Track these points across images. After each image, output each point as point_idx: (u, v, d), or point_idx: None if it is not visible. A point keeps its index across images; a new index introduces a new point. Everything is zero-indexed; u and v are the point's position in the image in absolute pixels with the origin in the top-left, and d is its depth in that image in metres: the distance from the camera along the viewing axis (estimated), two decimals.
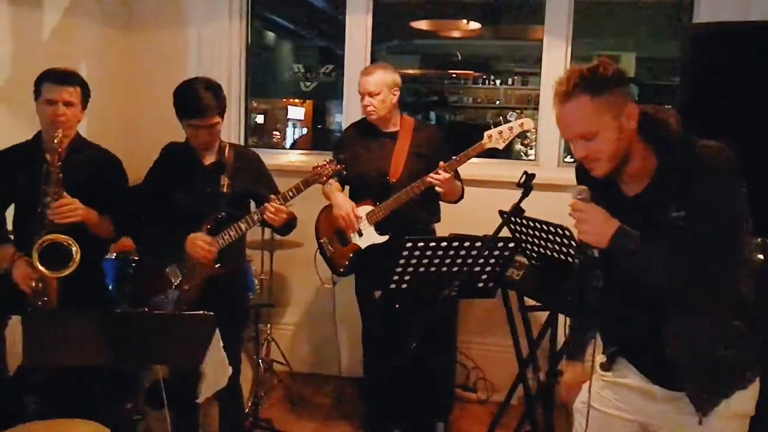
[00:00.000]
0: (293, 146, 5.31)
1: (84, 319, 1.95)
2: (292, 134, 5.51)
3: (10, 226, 2.85)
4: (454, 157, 3.07)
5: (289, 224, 2.84)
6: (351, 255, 3.27)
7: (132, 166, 4.16)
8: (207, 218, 2.73)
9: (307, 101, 5.51)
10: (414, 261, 2.62)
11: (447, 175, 3.01)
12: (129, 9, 4.31)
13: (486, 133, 3.10)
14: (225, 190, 2.76)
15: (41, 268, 2.49)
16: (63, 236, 2.52)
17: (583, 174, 1.82)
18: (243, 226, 2.73)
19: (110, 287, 3.17)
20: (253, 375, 3.53)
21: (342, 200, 3.26)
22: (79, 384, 2.82)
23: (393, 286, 2.65)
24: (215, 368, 2.02)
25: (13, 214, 2.82)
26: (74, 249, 2.50)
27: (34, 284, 2.56)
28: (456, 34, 5.58)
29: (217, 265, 2.70)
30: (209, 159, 2.82)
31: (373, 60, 4.26)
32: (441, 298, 2.31)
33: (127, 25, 4.29)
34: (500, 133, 3.08)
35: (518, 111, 5.68)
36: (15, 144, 2.80)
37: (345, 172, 2.86)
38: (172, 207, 2.76)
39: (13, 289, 2.60)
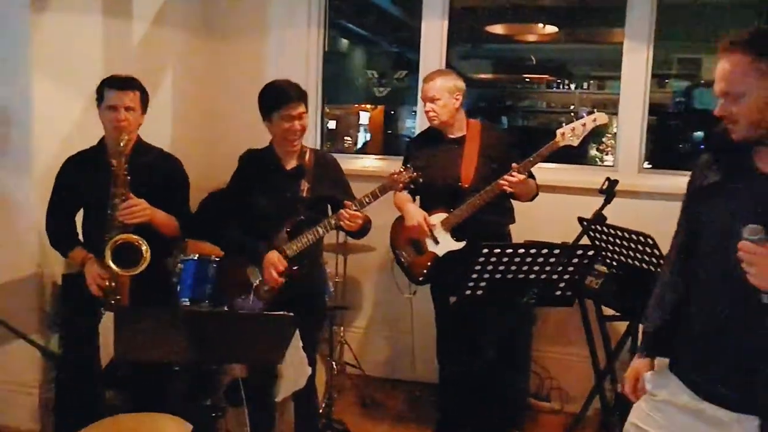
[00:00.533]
0: (363, 151, 5.35)
1: (171, 316, 2.02)
2: (363, 139, 5.57)
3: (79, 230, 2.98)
4: (528, 158, 3.01)
5: (364, 229, 2.85)
6: (429, 263, 3.25)
7: (215, 169, 4.31)
8: (286, 222, 2.78)
9: (378, 107, 5.55)
10: (490, 267, 2.60)
11: (521, 177, 2.97)
12: (213, 17, 4.44)
13: (558, 131, 3.03)
14: (305, 194, 2.81)
15: (114, 266, 2.60)
16: (134, 236, 2.63)
17: (717, 139, 1.74)
18: (320, 230, 2.77)
19: (190, 287, 3.27)
20: (327, 376, 3.58)
21: (413, 210, 3.27)
22: (160, 380, 2.94)
23: (468, 292, 2.64)
24: (294, 369, 2.06)
25: (82, 218, 2.94)
26: (144, 248, 2.62)
27: (106, 283, 2.68)
28: (531, 37, 5.51)
29: (294, 267, 2.76)
30: (291, 164, 2.87)
31: (448, 65, 4.25)
32: (518, 306, 2.28)
33: (210, 34, 4.44)
34: (573, 129, 3.00)
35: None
36: (81, 150, 2.93)
37: (421, 180, 2.83)
38: (253, 210, 2.83)
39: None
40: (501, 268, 2.60)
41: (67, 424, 2.87)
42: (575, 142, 3.03)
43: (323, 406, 3.52)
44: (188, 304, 3.27)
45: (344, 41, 5.84)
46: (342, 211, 2.70)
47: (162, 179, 2.90)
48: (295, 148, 2.83)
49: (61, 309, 3.35)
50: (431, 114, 3.24)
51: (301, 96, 2.77)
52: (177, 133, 4.20)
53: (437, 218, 3.22)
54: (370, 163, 4.47)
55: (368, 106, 5.56)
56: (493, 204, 3.13)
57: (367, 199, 2.74)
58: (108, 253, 2.60)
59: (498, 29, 5.23)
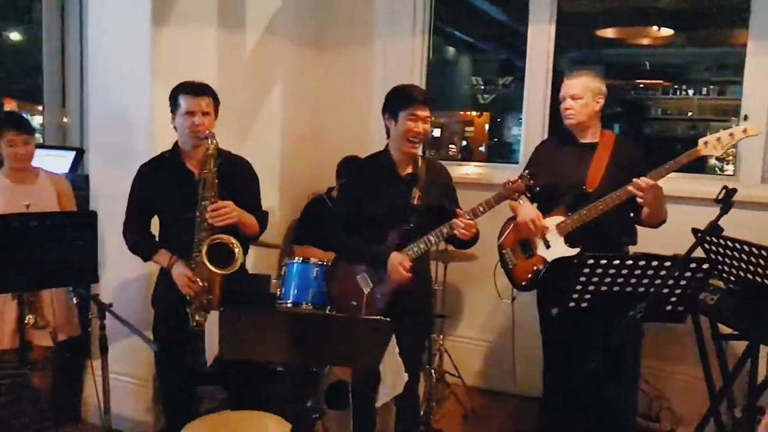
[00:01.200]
0: (467, 159, 5.31)
1: (273, 317, 2.07)
2: (467, 147, 5.53)
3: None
4: (663, 166, 2.83)
5: (474, 239, 2.81)
6: (535, 268, 3.14)
7: (319, 177, 4.43)
8: (394, 229, 2.80)
9: (484, 113, 5.49)
10: (596, 279, 2.49)
11: (651, 182, 2.79)
12: (321, 28, 4.56)
13: (701, 140, 2.82)
14: (415, 202, 2.81)
15: (210, 266, 2.69)
16: (228, 237, 2.72)
17: None
18: (432, 239, 2.75)
19: (293, 290, 3.35)
20: (426, 384, 3.57)
21: (527, 207, 3.12)
22: (261, 379, 3.03)
23: (572, 304, 2.54)
24: (392, 374, 2.06)
25: (159, 224, 3.05)
26: (237, 250, 2.71)
27: (199, 284, 2.77)
28: (645, 41, 5.29)
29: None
30: (406, 170, 2.89)
31: (555, 71, 4.15)
32: (625, 320, 2.18)
33: (318, 44, 4.55)
34: (718, 139, 2.79)
35: (715, 123, 5.25)
36: (154, 157, 3.04)
37: (538, 189, 2.74)
38: (363, 216, 2.86)
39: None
40: (607, 280, 2.49)
41: (173, 418, 3.02)
42: (717, 153, 2.82)
43: (422, 414, 3.51)
44: (291, 305, 3.36)
45: (449, 48, 5.84)
46: (456, 220, 2.67)
47: (238, 181, 2.98)
48: (414, 150, 2.84)
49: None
50: (569, 112, 3.12)
51: (428, 101, 2.81)
52: (285, 141, 4.33)
53: (553, 221, 3.09)
54: (473, 170, 4.43)
55: (473, 113, 5.52)
56: (616, 218, 2.97)
57: (481, 209, 2.70)
58: (204, 254, 2.71)
59: (609, 33, 5.04)
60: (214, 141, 2.79)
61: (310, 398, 3.19)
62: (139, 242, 3.00)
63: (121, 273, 3.54)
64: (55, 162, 3.92)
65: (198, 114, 2.82)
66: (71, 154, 3.91)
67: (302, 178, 4.54)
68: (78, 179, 3.71)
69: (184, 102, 2.84)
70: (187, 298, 2.85)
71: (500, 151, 5.62)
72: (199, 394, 3.37)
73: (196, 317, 2.82)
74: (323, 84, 4.58)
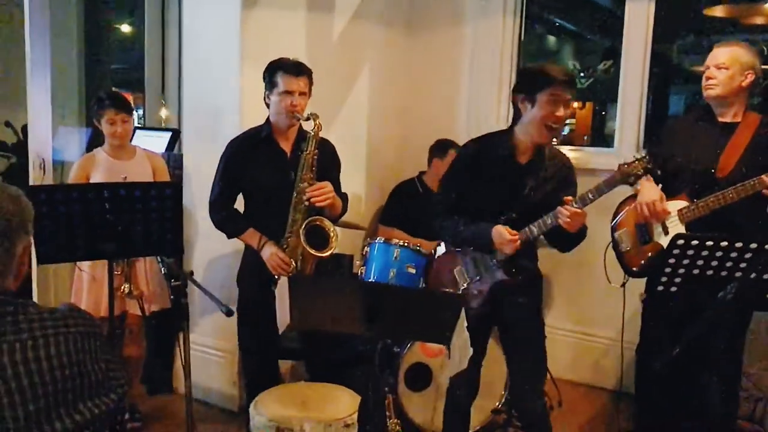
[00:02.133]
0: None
1: (343, 286, 2.07)
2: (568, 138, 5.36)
3: None
4: None
5: (582, 233, 2.47)
6: (650, 254, 2.91)
7: (405, 162, 4.42)
8: (496, 219, 2.54)
9: (587, 104, 5.30)
10: (686, 261, 2.32)
11: None
12: (410, 11, 4.53)
13: None
14: (527, 191, 2.51)
15: (308, 247, 2.71)
16: (323, 220, 2.72)
17: None
18: (534, 229, 2.44)
19: (374, 270, 3.35)
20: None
21: (650, 188, 2.85)
22: (343, 359, 3.05)
23: (660, 288, 2.38)
24: (460, 350, 2.01)
25: (244, 202, 3.07)
26: (332, 234, 2.71)
27: (291, 265, 2.78)
28: (760, 20, 4.92)
29: (513, 270, 2.52)
30: (524, 157, 2.54)
31: (656, 56, 3.93)
32: (714, 303, 2.02)
33: (406, 27, 4.53)
34: None
35: None
36: (244, 132, 3.06)
37: (659, 171, 2.50)
38: (471, 201, 2.59)
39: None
40: (700, 263, 2.31)
41: (253, 388, 3.09)
42: None
43: (503, 400, 3.42)
44: None
45: (543, 31, 5.66)
46: (561, 208, 2.34)
47: (324, 163, 2.97)
48: (551, 137, 2.47)
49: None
50: (711, 82, 2.86)
51: (572, 82, 2.44)
52: (372, 125, 4.33)
53: (675, 205, 2.87)
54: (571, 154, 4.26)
55: (575, 104, 5.33)
56: (751, 210, 2.72)
57: (591, 195, 2.34)
58: (302, 234, 2.72)
59: (718, 12, 4.73)
60: (318, 122, 2.79)
61: (389, 378, 3.20)
62: (226, 219, 3.01)
63: (210, 250, 3.66)
64: (153, 142, 4.12)
65: (296, 94, 2.83)
66: (167, 135, 4.09)
67: (389, 161, 4.53)
68: (173, 158, 3.88)
69: (282, 81, 2.85)
70: (275, 277, 2.87)
71: (600, 138, 5.41)
72: (281, 372, 3.44)
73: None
74: (412, 67, 4.55)
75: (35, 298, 3.78)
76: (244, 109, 3.46)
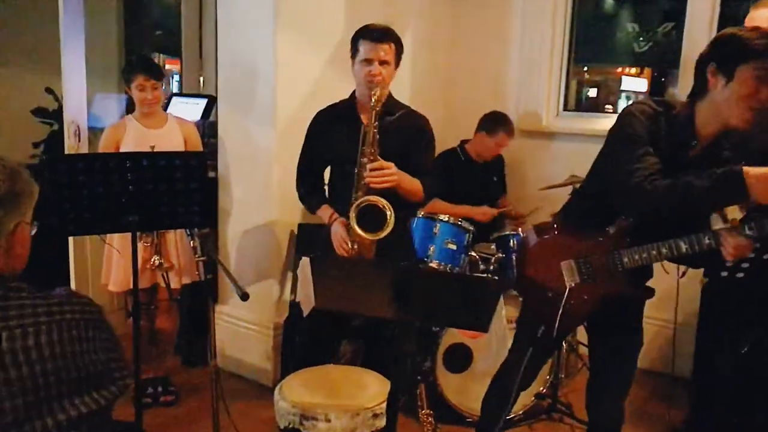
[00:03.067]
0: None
1: (369, 268, 1.91)
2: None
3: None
4: None
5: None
6: None
7: (452, 130, 4.21)
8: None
9: (645, 70, 4.96)
10: (758, 245, 2.09)
11: None
12: None
13: None
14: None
15: (358, 230, 2.54)
16: (379, 199, 2.53)
17: None
18: (683, 246, 1.96)
19: (417, 245, 3.19)
20: (555, 354, 3.29)
21: None
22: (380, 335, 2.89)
23: (724, 274, 2.16)
24: (498, 339, 1.84)
25: (329, 175, 2.92)
26: (389, 213, 2.49)
27: (348, 246, 2.62)
28: None
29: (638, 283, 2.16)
30: (701, 145, 2.03)
31: (724, 18, 3.59)
32: None
33: None
34: None
35: None
36: (332, 104, 2.87)
37: None
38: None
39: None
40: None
41: (287, 366, 2.98)
42: None
43: (548, 385, 3.25)
44: (414, 262, 3.20)
45: None
46: (726, 234, 1.88)
47: (409, 139, 2.76)
48: (748, 125, 1.93)
49: (295, 257, 3.49)
50: None
51: None
52: (415, 95, 4.13)
53: None
54: None
55: (632, 70, 5.00)
56: None
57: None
58: (353, 215, 2.54)
59: None
60: (377, 92, 2.57)
61: (427, 359, 3.06)
62: (307, 193, 2.89)
63: (246, 221, 3.55)
64: (189, 109, 4.01)
65: (375, 62, 2.62)
66: (204, 102, 3.97)
67: (435, 129, 4.33)
68: (209, 126, 3.76)
69: (362, 48, 2.64)
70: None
71: None
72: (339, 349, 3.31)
73: None
74: (456, 36, 4.32)
75: (72, 278, 3.76)
76: (278, 74, 3.31)
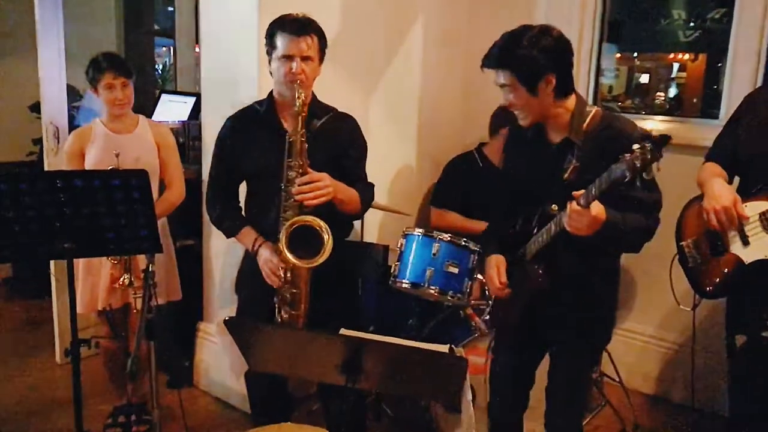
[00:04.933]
0: (679, 111, 4.33)
1: (296, 337, 1.55)
2: (677, 97, 4.60)
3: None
4: None
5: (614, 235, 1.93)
6: (727, 270, 2.27)
7: (471, 128, 3.79)
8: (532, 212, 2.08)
9: (699, 56, 4.47)
10: None
11: None
12: None
13: None
14: (566, 175, 1.98)
15: (291, 257, 2.17)
16: (314, 219, 2.16)
17: None
18: (553, 227, 1.95)
19: (410, 267, 2.82)
20: None
21: (720, 189, 2.27)
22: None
23: (766, 334, 1.73)
24: (467, 420, 1.47)
25: (246, 192, 2.52)
26: (326, 236, 2.13)
27: (281, 275, 2.25)
28: None
29: (539, 279, 2.05)
30: (557, 137, 2.04)
31: None
32: None
33: None
34: None
35: None
36: (244, 107, 2.48)
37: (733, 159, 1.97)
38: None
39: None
40: None
41: (258, 414, 2.65)
42: None
43: None
44: (408, 287, 2.84)
45: None
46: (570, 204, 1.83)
47: (340, 144, 2.40)
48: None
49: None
50: None
51: None
52: (425, 88, 3.73)
53: (755, 208, 2.23)
54: (656, 127, 3.52)
55: (685, 56, 4.51)
56: None
57: (593, 191, 1.76)
58: (284, 240, 2.17)
59: None
60: (301, 94, 2.19)
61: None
62: (223, 215, 2.49)
63: None
64: (177, 109, 3.69)
65: (297, 59, 2.24)
66: (192, 100, 3.65)
67: (445, 131, 3.93)
68: (193, 127, 3.45)
69: (280, 42, 2.25)
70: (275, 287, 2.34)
71: (715, 103, 4.58)
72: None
73: (282, 313, 2.31)
74: (474, 21, 3.87)
75: (54, 293, 3.53)
76: (263, 71, 2.92)
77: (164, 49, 5.13)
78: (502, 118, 3.41)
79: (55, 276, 3.23)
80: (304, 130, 2.19)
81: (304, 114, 2.20)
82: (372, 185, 2.50)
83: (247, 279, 2.50)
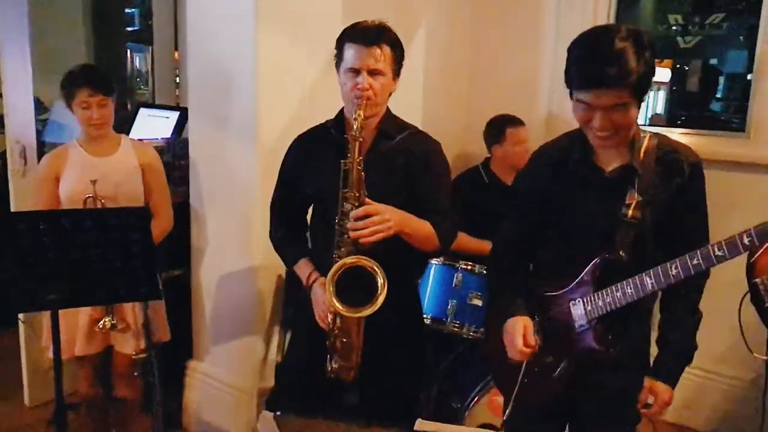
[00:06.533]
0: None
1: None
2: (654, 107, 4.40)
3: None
4: None
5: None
6: None
7: (476, 143, 3.54)
8: (595, 257, 1.76)
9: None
10: None
11: None
12: None
13: None
14: (630, 213, 1.72)
15: (337, 304, 1.87)
16: (366, 260, 1.87)
17: None
18: (635, 286, 1.65)
19: (432, 299, 2.56)
20: None
21: None
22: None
23: None
24: None
25: (311, 218, 2.25)
26: (380, 282, 1.83)
27: (330, 319, 1.97)
28: None
29: (609, 350, 1.75)
30: (613, 163, 1.77)
31: None
32: None
33: None
34: None
35: None
36: (316, 126, 2.19)
37: None
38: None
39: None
40: None
41: None
42: None
43: None
44: (428, 322, 2.58)
45: None
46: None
47: (415, 169, 2.06)
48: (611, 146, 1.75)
49: (283, 308, 2.87)
50: None
51: (620, 74, 1.57)
52: (428, 100, 3.47)
53: None
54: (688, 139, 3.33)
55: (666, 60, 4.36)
56: None
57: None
58: (330, 287, 1.86)
59: None
60: (360, 116, 1.88)
61: None
62: (284, 239, 2.23)
63: (223, 264, 2.92)
64: (158, 124, 3.37)
65: (363, 72, 1.93)
66: (176, 115, 3.33)
67: (450, 146, 3.64)
68: (179, 145, 3.12)
69: (348, 53, 1.96)
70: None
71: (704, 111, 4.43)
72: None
73: (332, 363, 2.03)
74: (479, 28, 3.63)
75: (21, 326, 3.15)
76: (261, 81, 2.65)
77: (134, 54, 4.77)
78: (491, 124, 3.23)
79: (24, 321, 2.87)
80: (361, 158, 1.89)
81: (360, 139, 1.89)
82: (454, 217, 2.15)
83: (300, 316, 2.21)
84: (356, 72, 1.94)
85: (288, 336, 2.84)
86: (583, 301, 1.76)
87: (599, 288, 1.73)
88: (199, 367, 3.10)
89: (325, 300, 1.95)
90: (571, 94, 1.70)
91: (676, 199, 1.72)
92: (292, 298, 2.77)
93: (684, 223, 1.74)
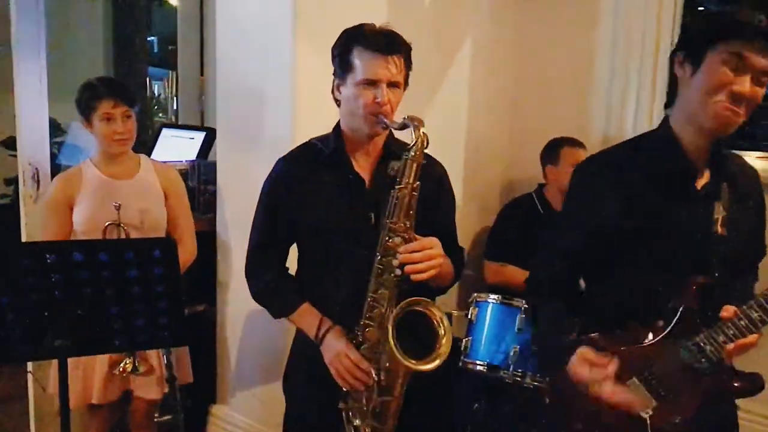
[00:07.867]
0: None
1: None
2: None
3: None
4: None
5: None
6: None
7: (524, 167, 3.27)
8: (690, 282, 1.50)
9: None
10: None
11: None
12: None
13: None
14: (719, 230, 1.52)
15: (398, 354, 1.56)
16: (434, 306, 1.58)
17: None
18: (754, 314, 1.38)
19: (486, 344, 2.26)
20: None
21: None
22: None
23: None
24: None
25: (298, 260, 1.90)
26: (442, 332, 1.54)
27: (367, 376, 1.64)
28: None
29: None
30: (701, 178, 1.57)
31: None
32: None
33: None
34: None
35: None
36: (302, 145, 1.87)
37: None
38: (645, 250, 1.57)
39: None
40: None
41: None
42: None
43: None
44: (484, 369, 2.27)
45: None
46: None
47: (429, 194, 1.75)
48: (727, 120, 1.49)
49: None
50: None
51: None
52: (474, 119, 3.20)
53: None
54: (761, 165, 3.02)
55: None
56: None
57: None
58: (391, 328, 1.56)
59: None
60: (421, 133, 1.61)
61: None
62: (269, 287, 1.86)
63: (251, 299, 2.60)
64: (182, 145, 3.12)
65: (383, 85, 1.66)
66: (201, 136, 3.08)
67: (497, 171, 3.40)
68: (205, 168, 2.87)
69: (361, 61, 1.67)
70: (344, 390, 1.73)
71: None
72: None
73: (355, 423, 1.70)
74: (530, 42, 3.36)
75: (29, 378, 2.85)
76: (299, 101, 2.40)
77: (159, 81, 4.55)
78: (545, 152, 2.99)
79: (32, 373, 2.61)
80: (417, 183, 1.60)
81: (420, 161, 1.61)
82: (462, 249, 1.90)
83: (301, 374, 1.89)
84: (373, 84, 1.66)
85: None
86: (700, 343, 1.46)
87: (706, 321, 1.46)
88: (223, 412, 2.81)
89: (349, 354, 1.66)
90: (695, 56, 1.46)
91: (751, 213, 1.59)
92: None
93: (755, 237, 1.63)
